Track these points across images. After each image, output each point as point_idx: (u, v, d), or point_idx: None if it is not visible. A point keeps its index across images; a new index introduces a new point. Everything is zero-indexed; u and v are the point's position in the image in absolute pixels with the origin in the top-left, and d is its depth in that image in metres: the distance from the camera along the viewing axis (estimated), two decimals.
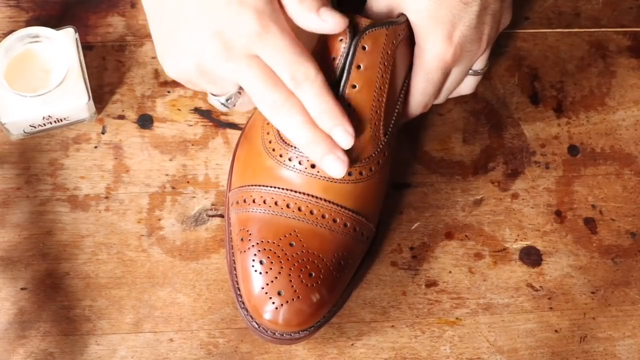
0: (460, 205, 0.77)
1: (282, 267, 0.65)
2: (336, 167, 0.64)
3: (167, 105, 0.78)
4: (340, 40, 0.67)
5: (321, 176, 0.67)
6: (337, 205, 0.67)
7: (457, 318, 0.74)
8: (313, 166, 0.67)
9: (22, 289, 0.72)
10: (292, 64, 0.62)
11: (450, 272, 0.75)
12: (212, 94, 0.67)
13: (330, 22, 0.63)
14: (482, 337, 0.74)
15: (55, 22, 0.78)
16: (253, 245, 0.67)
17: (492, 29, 0.69)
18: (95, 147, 0.77)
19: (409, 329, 0.73)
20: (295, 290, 0.65)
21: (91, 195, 0.75)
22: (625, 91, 0.82)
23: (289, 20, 0.63)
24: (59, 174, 0.76)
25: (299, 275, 0.65)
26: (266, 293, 0.65)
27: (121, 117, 0.77)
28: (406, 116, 0.73)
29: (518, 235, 0.76)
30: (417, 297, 0.74)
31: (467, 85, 0.74)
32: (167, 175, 0.76)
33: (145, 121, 0.77)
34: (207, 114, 0.78)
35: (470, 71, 0.72)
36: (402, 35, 0.68)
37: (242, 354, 0.72)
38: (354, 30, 0.67)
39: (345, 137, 0.64)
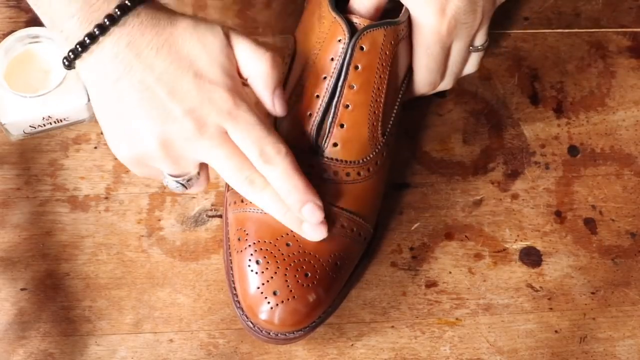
0: (460, 206, 0.77)
1: (278, 267, 0.65)
2: (315, 234, 0.66)
3: None
4: (339, 40, 0.67)
5: (321, 177, 0.67)
6: (335, 206, 0.67)
7: (457, 318, 0.74)
8: (312, 166, 0.67)
9: (22, 289, 0.72)
10: (261, 140, 0.62)
11: (450, 272, 0.75)
12: (170, 175, 0.66)
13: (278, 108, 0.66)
14: (482, 338, 0.74)
15: None
16: (250, 245, 0.67)
17: (487, 1, 0.69)
18: (95, 147, 0.77)
19: (409, 330, 0.73)
20: (291, 291, 0.65)
21: (91, 196, 0.75)
22: (625, 91, 0.81)
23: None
24: (58, 174, 0.76)
25: (295, 276, 0.65)
26: (262, 293, 0.65)
27: None
28: (413, 94, 0.73)
29: (518, 235, 0.76)
30: (417, 297, 0.74)
31: (471, 64, 0.74)
32: None
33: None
34: None
35: (470, 47, 0.72)
36: (401, 35, 0.68)
37: (242, 354, 0.72)
38: (352, 31, 0.67)
39: (316, 212, 0.64)
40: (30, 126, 0.74)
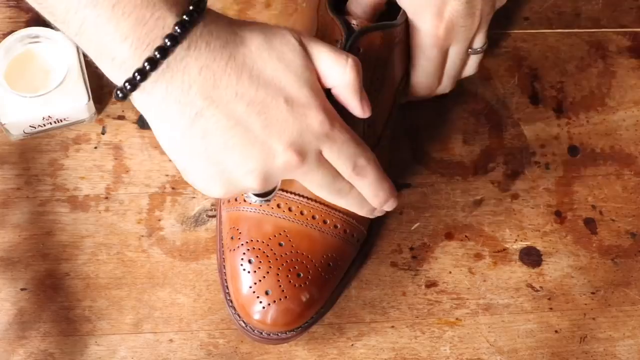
0: (460, 206, 0.77)
1: (270, 267, 0.65)
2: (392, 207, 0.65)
3: None
4: (336, 41, 0.67)
5: None
6: (328, 207, 0.67)
7: (457, 318, 0.74)
8: None
9: (22, 289, 0.72)
10: (354, 155, 0.59)
11: (450, 272, 0.75)
12: (255, 195, 0.62)
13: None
14: (482, 338, 0.74)
15: None
16: (242, 244, 0.67)
17: (486, 4, 0.69)
18: (95, 147, 0.77)
19: (409, 330, 0.73)
20: (283, 290, 0.65)
21: (91, 196, 0.75)
22: (625, 91, 0.82)
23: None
24: (59, 174, 0.76)
25: (287, 275, 0.65)
26: (254, 292, 0.65)
27: (121, 117, 0.77)
28: (410, 98, 0.73)
29: (518, 235, 0.76)
30: (417, 297, 0.74)
31: (470, 66, 0.74)
32: (167, 175, 0.76)
33: (145, 122, 0.77)
34: None
35: (469, 50, 0.72)
36: (398, 37, 0.68)
37: (242, 354, 0.72)
38: (350, 32, 0.66)
39: (395, 204, 0.64)
40: (30, 126, 0.74)
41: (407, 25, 0.69)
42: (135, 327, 0.72)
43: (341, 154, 0.59)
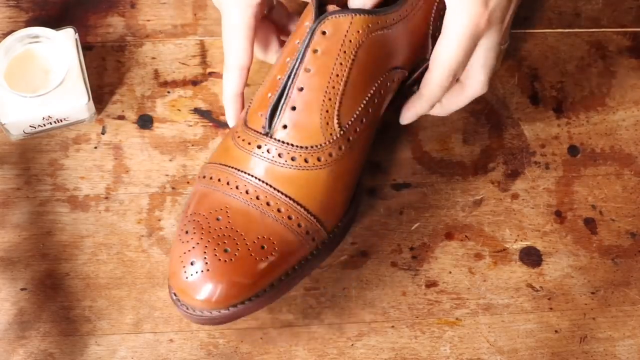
0: (460, 206, 0.77)
1: (201, 239, 0.65)
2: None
3: (167, 105, 0.78)
4: (306, 24, 0.66)
5: (266, 157, 0.66)
6: (275, 189, 0.66)
7: (457, 318, 0.74)
8: (259, 147, 0.66)
9: (22, 289, 0.72)
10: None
11: (450, 272, 0.75)
12: None
13: None
14: (482, 338, 0.74)
15: (55, 23, 0.78)
16: (187, 216, 0.66)
17: (515, 3, 0.69)
18: (95, 147, 0.77)
19: (409, 330, 0.73)
20: (207, 263, 0.64)
21: (91, 196, 0.75)
22: (625, 91, 0.82)
23: None
24: (58, 174, 0.76)
25: (214, 249, 0.64)
26: (182, 261, 0.64)
27: (121, 117, 0.77)
28: (431, 87, 0.70)
29: (518, 235, 0.76)
30: (417, 297, 0.74)
31: (498, 61, 0.74)
32: (167, 175, 0.76)
33: (145, 121, 0.77)
34: (207, 115, 0.78)
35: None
36: (378, 26, 0.67)
37: (242, 354, 0.72)
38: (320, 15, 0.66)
39: None
40: (30, 126, 0.74)
41: (403, 16, 0.67)
42: (135, 327, 0.72)
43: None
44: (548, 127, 0.80)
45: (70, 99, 0.74)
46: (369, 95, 0.68)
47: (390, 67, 0.69)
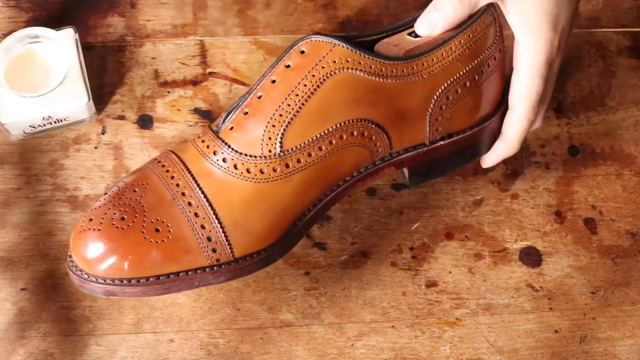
0: (460, 206, 0.77)
1: (109, 202, 0.65)
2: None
3: (167, 105, 0.78)
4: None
5: (202, 152, 0.65)
6: (196, 182, 0.65)
7: (457, 318, 0.74)
8: (203, 141, 0.65)
9: (22, 289, 0.72)
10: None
11: (450, 272, 0.75)
12: None
13: None
14: (482, 338, 0.74)
15: (55, 23, 0.78)
16: (118, 183, 0.67)
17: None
18: (95, 147, 0.77)
19: (409, 330, 0.73)
20: (102, 223, 0.64)
21: (91, 196, 0.75)
22: (625, 91, 0.82)
23: None
24: (59, 174, 0.76)
25: (114, 213, 0.64)
26: (86, 215, 0.65)
27: (121, 117, 0.77)
28: (517, 125, 0.69)
29: (518, 235, 0.77)
30: (417, 297, 0.74)
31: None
32: None
33: (145, 121, 0.77)
34: (207, 115, 0.78)
35: None
36: (357, 65, 0.64)
37: (242, 354, 0.72)
38: None
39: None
40: (30, 126, 0.74)
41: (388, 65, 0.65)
42: (136, 327, 0.72)
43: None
44: (548, 127, 0.80)
45: (70, 99, 0.74)
46: (324, 132, 0.65)
47: (358, 116, 0.65)
